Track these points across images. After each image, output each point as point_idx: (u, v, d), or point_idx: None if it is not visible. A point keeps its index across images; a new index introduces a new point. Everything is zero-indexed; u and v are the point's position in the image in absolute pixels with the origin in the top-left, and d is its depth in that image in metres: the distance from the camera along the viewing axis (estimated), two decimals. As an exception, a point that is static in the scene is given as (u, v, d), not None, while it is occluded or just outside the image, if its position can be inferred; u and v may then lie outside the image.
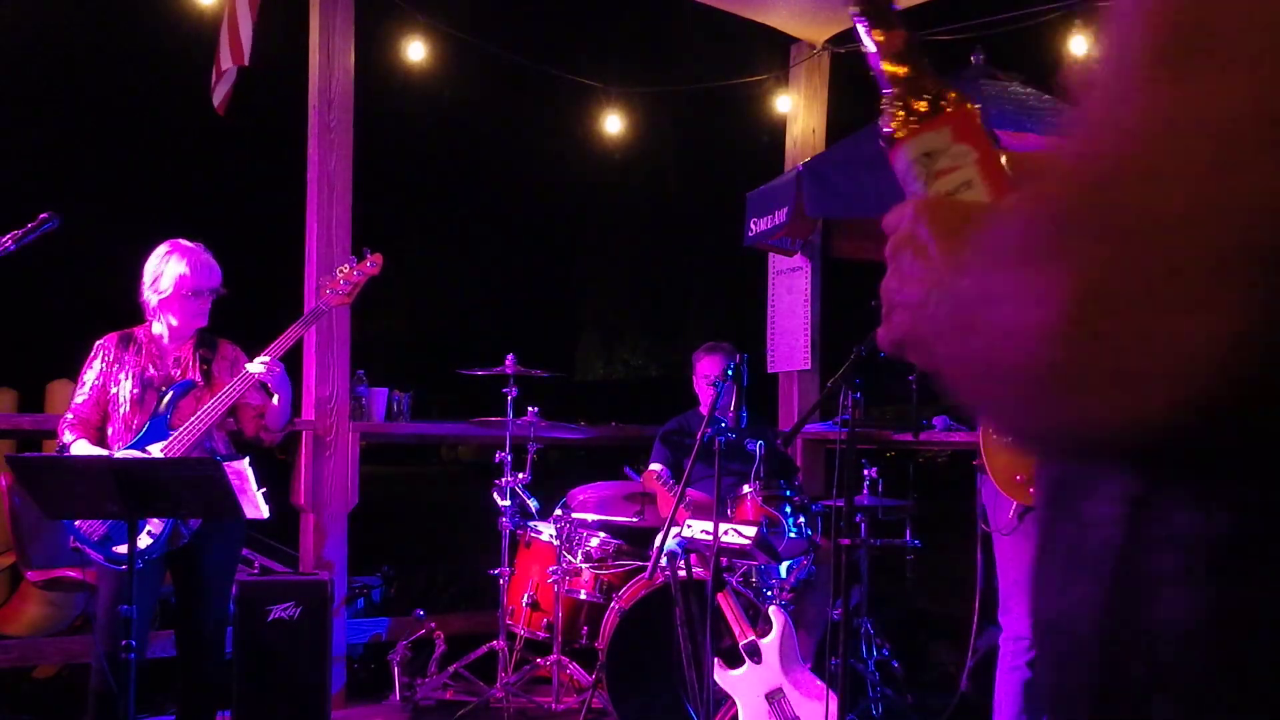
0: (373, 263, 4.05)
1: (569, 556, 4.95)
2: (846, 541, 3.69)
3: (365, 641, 5.44)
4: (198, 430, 3.68)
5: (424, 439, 6.30)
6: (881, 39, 0.98)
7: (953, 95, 0.96)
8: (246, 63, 4.96)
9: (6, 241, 3.24)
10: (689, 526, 4.02)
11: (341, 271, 4.03)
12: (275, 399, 3.84)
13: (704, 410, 5.23)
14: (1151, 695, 0.67)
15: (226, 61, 4.93)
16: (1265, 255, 0.55)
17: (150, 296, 3.83)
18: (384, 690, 5.25)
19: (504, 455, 5.12)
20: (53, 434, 4.01)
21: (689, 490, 4.32)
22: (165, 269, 3.80)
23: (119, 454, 3.64)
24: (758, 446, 4.91)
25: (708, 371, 5.24)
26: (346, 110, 5.25)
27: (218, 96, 5.02)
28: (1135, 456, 0.68)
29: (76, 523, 3.63)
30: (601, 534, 5.04)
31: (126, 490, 3.17)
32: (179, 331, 3.85)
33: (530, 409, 5.16)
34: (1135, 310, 0.58)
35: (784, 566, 4.72)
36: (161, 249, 3.86)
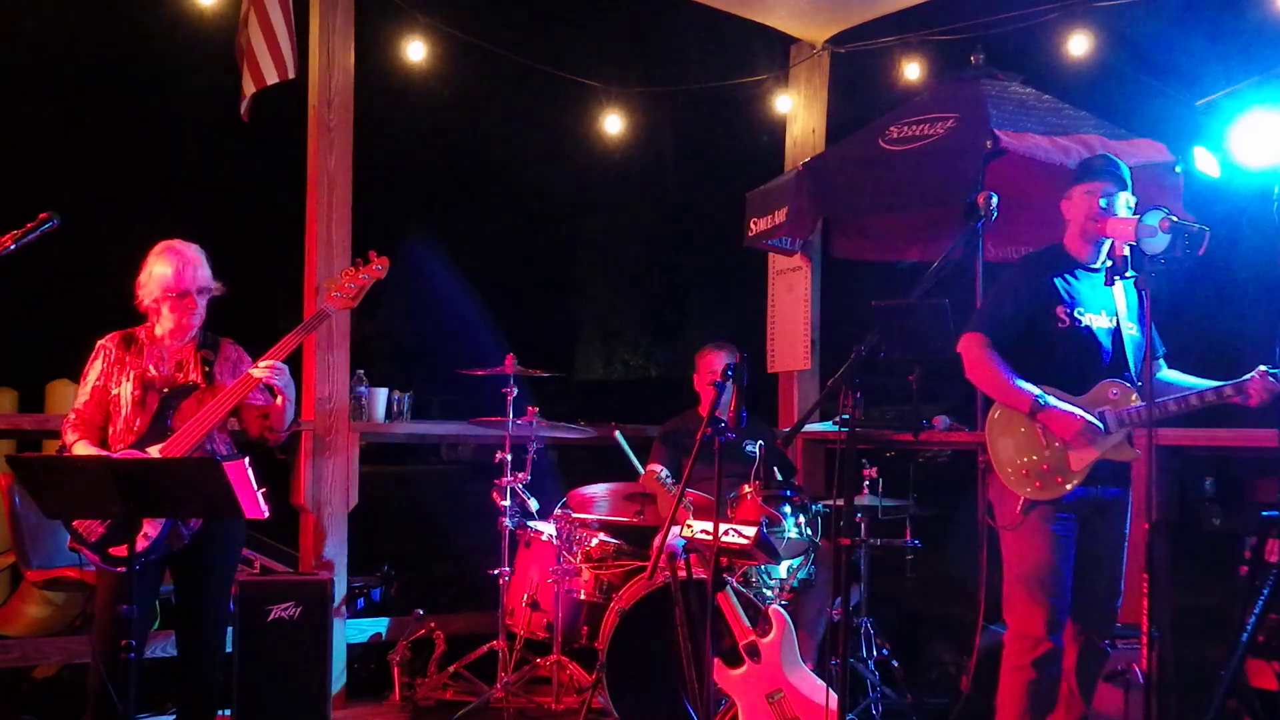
0: (379, 266, 4.03)
1: (569, 556, 4.95)
2: (846, 541, 3.69)
3: (365, 641, 5.44)
4: (199, 432, 3.67)
5: (424, 439, 6.29)
6: None
7: None
8: (291, 75, 4.96)
9: (6, 241, 3.23)
10: (689, 526, 4.02)
11: (346, 274, 4.02)
12: (280, 400, 3.83)
13: (705, 410, 5.23)
14: None
15: (271, 77, 4.91)
16: None
17: (143, 298, 3.82)
18: (384, 690, 5.26)
19: (504, 455, 5.12)
20: (53, 434, 4.02)
21: (688, 490, 4.32)
22: (153, 270, 3.79)
23: (118, 454, 3.64)
24: (758, 446, 4.91)
25: (711, 370, 5.23)
26: (346, 110, 5.25)
27: (244, 105, 5.02)
28: None
29: (74, 523, 3.63)
30: (601, 534, 5.04)
31: (126, 490, 3.17)
32: (177, 332, 3.84)
33: (530, 409, 5.15)
34: None
35: (784, 566, 4.72)
36: (155, 250, 3.83)
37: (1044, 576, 3.63)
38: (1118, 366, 3.73)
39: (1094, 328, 3.72)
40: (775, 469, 4.94)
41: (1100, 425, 3.59)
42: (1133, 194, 3.76)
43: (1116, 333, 3.74)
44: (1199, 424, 4.48)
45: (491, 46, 6.45)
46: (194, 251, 3.85)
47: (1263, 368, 3.51)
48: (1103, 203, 3.69)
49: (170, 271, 3.77)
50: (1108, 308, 3.76)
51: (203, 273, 3.83)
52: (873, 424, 5.56)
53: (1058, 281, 3.74)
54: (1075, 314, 3.71)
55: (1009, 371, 3.70)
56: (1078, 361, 3.70)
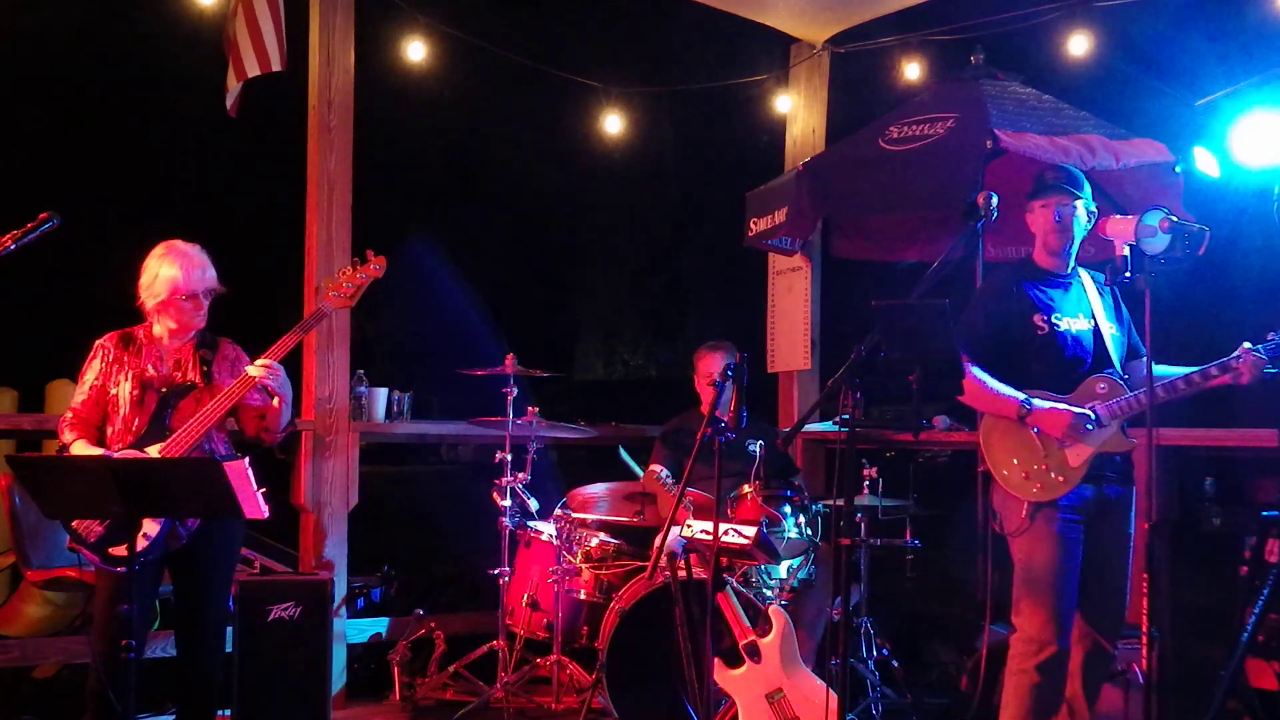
0: (376, 265, 4.02)
1: (569, 556, 4.95)
2: (846, 541, 3.69)
3: (365, 641, 5.44)
4: (197, 431, 3.67)
5: (424, 439, 6.29)
6: None
7: None
8: (277, 68, 4.95)
9: (6, 241, 3.23)
10: (689, 526, 4.02)
11: (344, 274, 4.02)
12: (276, 401, 3.83)
13: (705, 410, 5.23)
14: None
15: (253, 69, 4.90)
16: None
17: (147, 300, 3.81)
18: (384, 690, 5.26)
19: (504, 455, 5.12)
20: (53, 434, 4.01)
21: (689, 490, 4.32)
22: (159, 272, 3.78)
23: (118, 454, 3.63)
24: (758, 446, 4.91)
25: (709, 370, 5.23)
26: (346, 110, 5.25)
27: (230, 99, 5.01)
28: None
29: (73, 524, 3.63)
30: (601, 534, 5.04)
31: (126, 490, 3.17)
32: (178, 332, 3.85)
33: (530, 409, 5.15)
34: None
35: (784, 566, 4.72)
36: (157, 251, 3.83)
37: (1049, 580, 3.63)
38: (1100, 366, 3.76)
39: (1073, 331, 3.77)
40: (775, 470, 4.95)
41: (1091, 416, 3.61)
42: (1092, 198, 3.82)
43: (1096, 333, 3.79)
44: (1199, 424, 4.49)
45: (491, 46, 6.46)
46: (198, 253, 3.85)
47: (1246, 345, 3.55)
48: (1056, 217, 3.77)
49: (179, 274, 3.76)
50: (1084, 311, 3.82)
51: (210, 274, 3.85)
52: (873, 424, 5.56)
53: (1031, 291, 3.80)
54: (1053, 320, 3.77)
55: (992, 382, 3.75)
56: (1060, 365, 3.75)
